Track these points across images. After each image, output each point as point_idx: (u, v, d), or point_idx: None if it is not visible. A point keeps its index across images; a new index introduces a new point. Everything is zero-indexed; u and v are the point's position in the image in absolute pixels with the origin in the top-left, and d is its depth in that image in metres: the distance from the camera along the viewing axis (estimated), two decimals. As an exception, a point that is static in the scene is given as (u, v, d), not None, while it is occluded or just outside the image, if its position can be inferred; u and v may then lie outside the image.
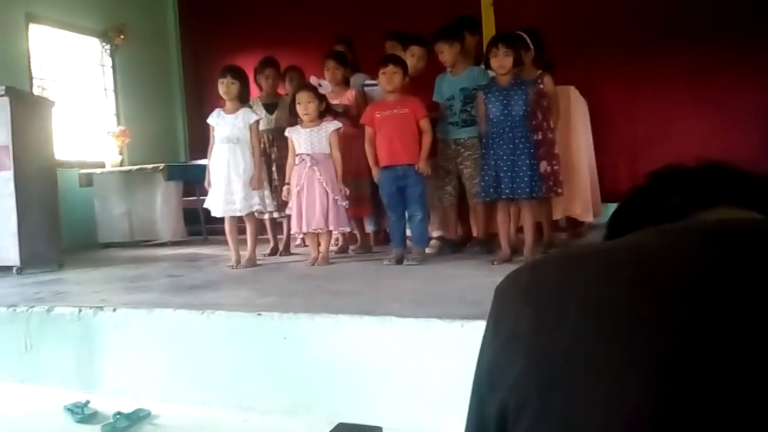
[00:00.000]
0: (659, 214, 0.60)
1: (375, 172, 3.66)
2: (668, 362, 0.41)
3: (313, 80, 4.36)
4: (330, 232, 3.76)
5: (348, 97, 4.14)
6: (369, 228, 4.43)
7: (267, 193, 3.91)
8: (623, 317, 0.44)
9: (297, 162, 3.71)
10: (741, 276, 0.43)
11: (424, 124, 3.57)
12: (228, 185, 3.72)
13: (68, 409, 2.56)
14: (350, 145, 4.01)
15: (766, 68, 4.92)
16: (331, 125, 3.73)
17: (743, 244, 0.46)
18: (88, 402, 2.58)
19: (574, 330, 0.45)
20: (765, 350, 0.40)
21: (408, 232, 3.72)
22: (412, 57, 3.92)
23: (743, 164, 0.62)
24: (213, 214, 3.84)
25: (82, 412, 2.55)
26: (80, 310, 2.47)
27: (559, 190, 3.73)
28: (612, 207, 0.69)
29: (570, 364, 0.44)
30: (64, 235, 4.46)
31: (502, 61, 3.31)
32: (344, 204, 3.68)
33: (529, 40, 3.75)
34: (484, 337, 0.54)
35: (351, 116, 4.03)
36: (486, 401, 0.50)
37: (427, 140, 3.56)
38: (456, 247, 3.96)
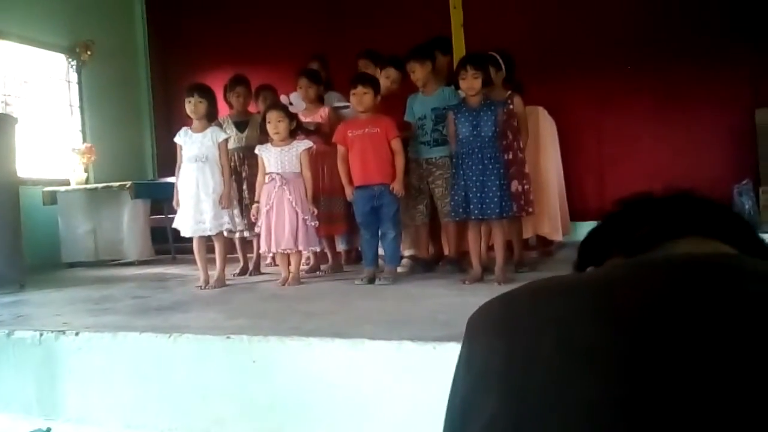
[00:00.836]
0: (629, 243, 0.60)
1: (348, 191, 3.65)
2: (639, 399, 0.40)
3: (283, 99, 4.36)
4: (300, 252, 3.72)
5: (321, 114, 4.13)
6: (340, 247, 4.41)
7: (237, 212, 3.87)
8: (595, 354, 0.43)
9: (267, 181, 3.68)
10: (710, 312, 0.43)
11: (396, 144, 3.57)
12: (197, 204, 3.67)
13: (28, 437, 2.47)
14: (323, 163, 4.00)
15: (728, 90, 5.07)
16: (302, 144, 3.71)
17: (710, 281, 0.46)
18: (49, 429, 2.49)
19: (547, 367, 0.44)
20: (734, 388, 0.39)
21: (380, 251, 3.71)
22: (387, 79, 3.94)
23: (706, 183, 0.63)
24: (182, 234, 3.78)
25: (42, 440, 2.45)
26: (41, 334, 2.40)
27: (530, 209, 3.77)
28: (580, 225, 0.69)
29: (544, 402, 0.43)
30: (26, 254, 4.34)
31: (470, 83, 3.34)
32: (313, 224, 3.66)
33: (500, 60, 3.80)
34: (457, 369, 0.54)
35: (324, 134, 4.02)
36: None
37: (399, 161, 3.57)
38: (428, 266, 3.96)
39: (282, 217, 3.60)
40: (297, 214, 3.60)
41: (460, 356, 0.54)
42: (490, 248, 3.53)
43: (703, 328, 0.42)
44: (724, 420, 0.39)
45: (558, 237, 4.47)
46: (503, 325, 0.51)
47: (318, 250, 3.94)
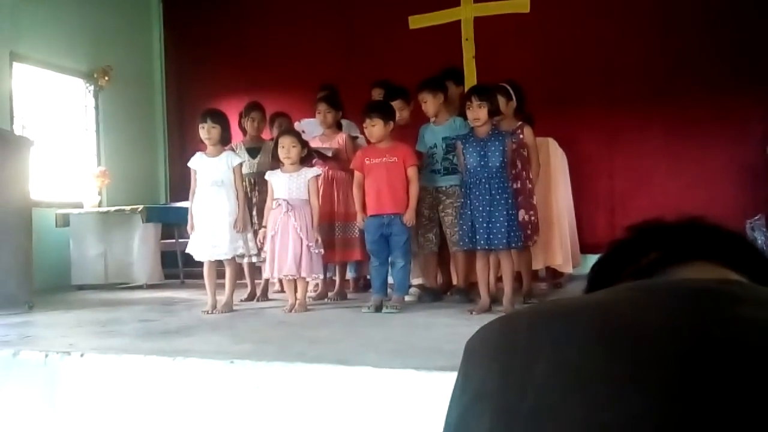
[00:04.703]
0: (637, 269, 0.60)
1: (360, 217, 3.66)
2: (638, 423, 0.39)
3: (297, 126, 4.40)
4: (305, 279, 3.70)
5: (338, 140, 4.16)
6: (349, 274, 4.40)
7: (250, 236, 3.88)
8: (591, 377, 0.43)
9: (274, 206, 3.69)
10: (710, 338, 0.43)
11: (412, 172, 3.59)
12: (212, 228, 3.68)
13: (29, 459, 2.45)
14: (339, 189, 4.03)
15: (739, 125, 5.06)
16: (311, 172, 3.73)
17: (711, 305, 0.45)
18: (50, 451, 2.47)
19: (540, 390, 0.44)
20: (734, 414, 0.39)
21: (390, 279, 3.69)
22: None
23: (718, 218, 0.63)
24: (196, 258, 3.78)
25: (42, 463, 2.43)
26: (47, 355, 2.39)
27: (535, 239, 3.76)
28: (591, 258, 0.69)
29: (535, 425, 0.42)
30: (37, 275, 4.35)
31: (476, 113, 3.36)
32: (317, 251, 3.65)
33: (511, 91, 3.82)
34: (453, 392, 0.53)
35: (341, 160, 4.05)
36: None
37: (414, 189, 3.58)
38: (436, 295, 3.93)
39: (286, 243, 3.60)
40: (301, 240, 3.60)
41: (457, 379, 0.53)
42: (500, 279, 3.50)
43: (695, 352, 0.42)
44: None
45: (569, 269, 4.44)
46: (500, 347, 0.50)
47: (321, 277, 3.93)
